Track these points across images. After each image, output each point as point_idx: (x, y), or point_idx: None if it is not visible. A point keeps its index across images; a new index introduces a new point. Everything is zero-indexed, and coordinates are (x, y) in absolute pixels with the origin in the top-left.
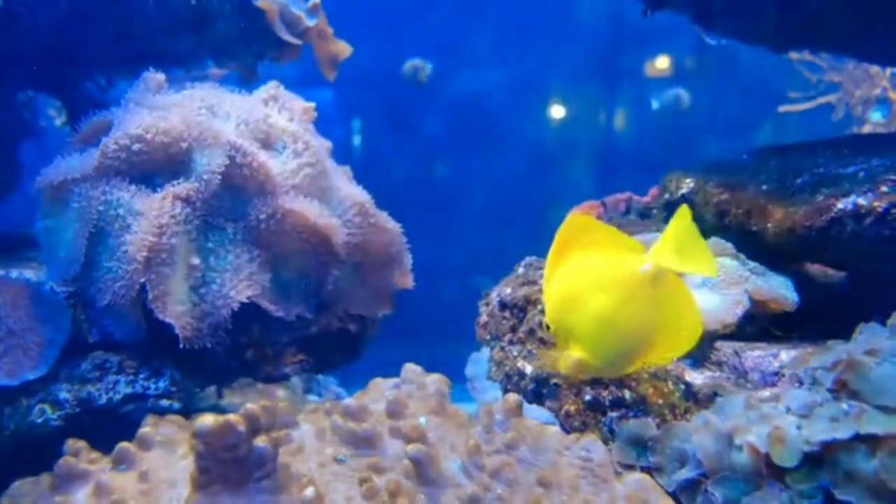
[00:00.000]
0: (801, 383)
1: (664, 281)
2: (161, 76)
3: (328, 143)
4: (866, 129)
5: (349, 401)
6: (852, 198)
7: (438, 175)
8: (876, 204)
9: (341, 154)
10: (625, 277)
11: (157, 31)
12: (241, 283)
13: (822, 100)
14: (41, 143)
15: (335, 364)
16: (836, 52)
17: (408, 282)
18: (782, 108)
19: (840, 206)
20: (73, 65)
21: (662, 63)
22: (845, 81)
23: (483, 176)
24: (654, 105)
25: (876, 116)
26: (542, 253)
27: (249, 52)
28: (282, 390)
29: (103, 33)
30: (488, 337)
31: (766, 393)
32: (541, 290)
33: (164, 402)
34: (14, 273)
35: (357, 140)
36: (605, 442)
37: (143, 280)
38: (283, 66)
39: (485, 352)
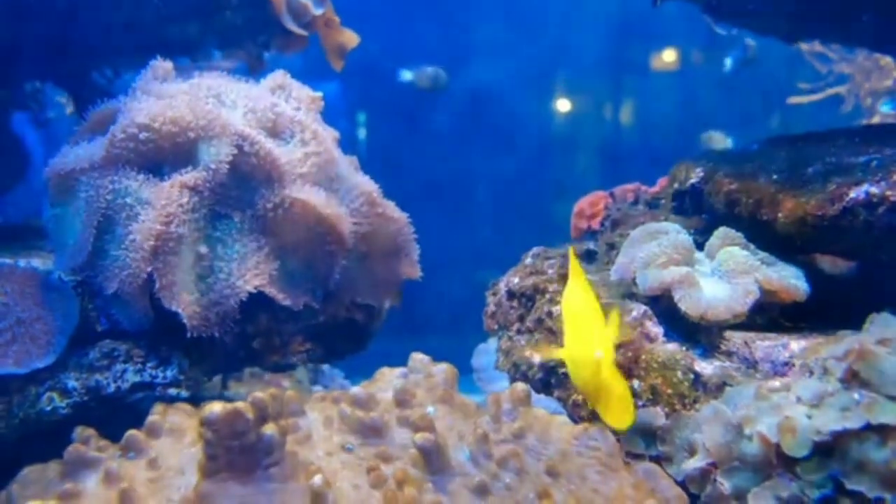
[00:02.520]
0: (811, 373)
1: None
2: (168, 64)
3: (335, 133)
4: (875, 120)
5: (357, 389)
6: (865, 187)
7: (444, 167)
8: (889, 193)
9: (347, 146)
10: (585, 352)
11: (164, 21)
12: (248, 272)
13: (831, 91)
14: (48, 133)
15: (342, 353)
16: (847, 43)
17: (415, 272)
18: (791, 100)
19: (852, 195)
20: (81, 55)
21: (669, 56)
22: (855, 73)
23: (489, 168)
24: (728, 64)
25: (886, 108)
26: (549, 245)
27: (256, 42)
28: (288, 381)
29: (111, 22)
30: (496, 327)
31: (777, 383)
32: (549, 280)
33: (172, 391)
34: (22, 262)
35: (362, 132)
36: (614, 432)
37: (150, 269)
38: (289, 57)
39: (491, 343)
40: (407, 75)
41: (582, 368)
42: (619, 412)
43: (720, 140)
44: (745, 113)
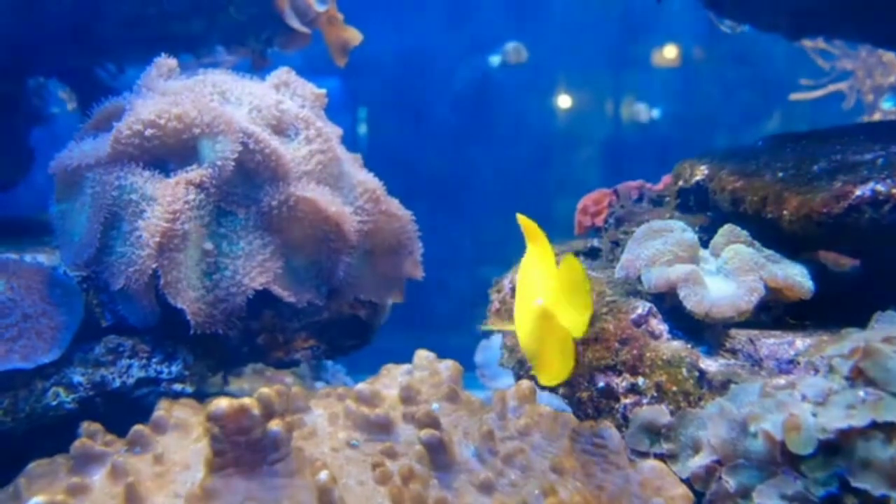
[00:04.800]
0: (816, 371)
1: (550, 317)
2: (173, 61)
3: (339, 130)
4: (876, 116)
5: (362, 386)
6: (870, 185)
7: (446, 164)
8: (895, 191)
9: (348, 143)
10: (527, 304)
11: (169, 17)
12: (253, 269)
13: (833, 87)
14: (51, 129)
15: (345, 350)
16: (851, 39)
17: (418, 272)
18: (794, 96)
19: (858, 192)
20: (85, 51)
21: (670, 52)
22: (858, 69)
23: (493, 164)
24: None
25: (888, 104)
26: (552, 241)
27: (259, 39)
28: (290, 378)
29: (115, 18)
30: None
31: (782, 380)
32: None
33: (177, 387)
34: (28, 257)
35: (363, 129)
36: (619, 429)
37: (155, 265)
38: (290, 54)
39: (493, 339)
40: (495, 60)
41: (522, 323)
42: (553, 367)
43: (643, 112)
44: (748, 109)
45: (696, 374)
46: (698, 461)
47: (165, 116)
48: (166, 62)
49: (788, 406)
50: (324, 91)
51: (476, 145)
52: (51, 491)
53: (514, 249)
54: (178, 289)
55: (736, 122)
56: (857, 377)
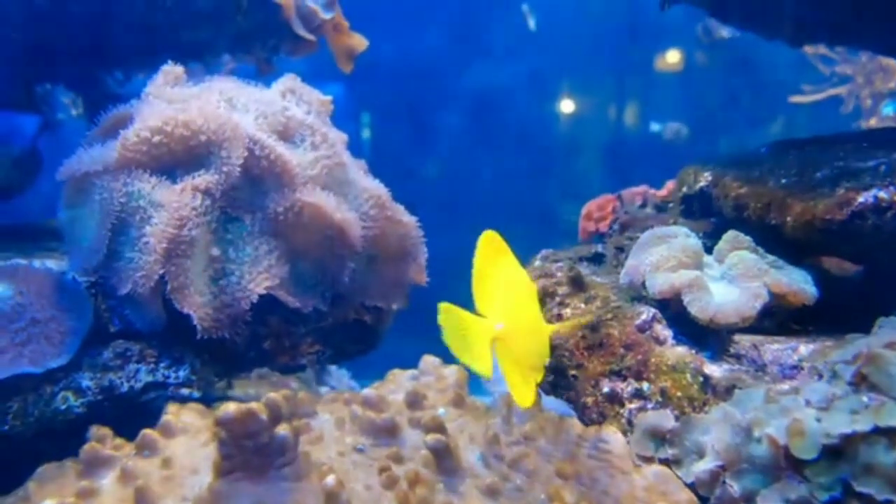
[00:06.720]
0: (820, 376)
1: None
2: (179, 69)
3: (344, 136)
4: (873, 122)
5: (368, 391)
6: (873, 191)
7: (451, 170)
8: None
9: (353, 149)
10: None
11: (176, 25)
12: (259, 275)
13: (832, 91)
14: (58, 136)
15: (351, 355)
16: (852, 46)
17: (422, 278)
18: (792, 99)
19: (861, 199)
20: (93, 58)
21: (673, 57)
22: (857, 74)
23: (496, 171)
24: None
25: (888, 110)
26: (556, 247)
27: (265, 46)
28: (295, 382)
29: (123, 26)
30: None
31: (786, 386)
32: (558, 283)
33: (185, 391)
34: (37, 263)
35: (368, 135)
36: (624, 434)
37: (162, 271)
38: (295, 61)
39: None
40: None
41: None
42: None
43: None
44: (751, 115)
45: (701, 379)
46: (703, 466)
47: (172, 123)
48: (173, 70)
49: (792, 411)
50: (329, 98)
51: (480, 152)
52: (60, 494)
53: (518, 255)
54: (185, 294)
55: (739, 127)
56: (861, 383)
